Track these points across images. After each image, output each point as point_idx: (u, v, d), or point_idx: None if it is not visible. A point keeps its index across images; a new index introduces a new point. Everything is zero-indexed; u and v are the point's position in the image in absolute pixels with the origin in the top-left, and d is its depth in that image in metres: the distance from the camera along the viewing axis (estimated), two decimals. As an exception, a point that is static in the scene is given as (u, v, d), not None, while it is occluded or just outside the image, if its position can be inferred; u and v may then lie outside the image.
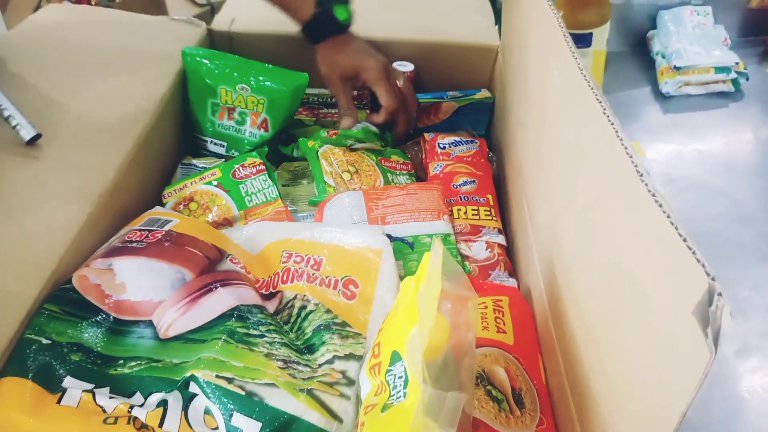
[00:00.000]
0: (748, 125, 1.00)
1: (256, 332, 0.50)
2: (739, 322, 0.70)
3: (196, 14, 1.38)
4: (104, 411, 0.45)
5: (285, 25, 0.87)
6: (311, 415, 0.45)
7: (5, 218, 0.54)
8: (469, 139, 0.84)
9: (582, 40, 0.94)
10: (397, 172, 0.79)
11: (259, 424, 0.44)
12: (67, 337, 0.48)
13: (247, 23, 0.89)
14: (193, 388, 0.46)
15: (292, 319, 0.54)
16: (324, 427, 0.45)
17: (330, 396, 0.47)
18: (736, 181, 0.90)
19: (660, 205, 0.31)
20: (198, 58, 0.76)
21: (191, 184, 0.70)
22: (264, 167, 0.72)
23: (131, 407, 0.45)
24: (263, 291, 0.57)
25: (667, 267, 0.31)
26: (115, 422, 0.44)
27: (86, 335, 0.49)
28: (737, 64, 1.04)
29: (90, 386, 0.46)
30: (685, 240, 0.29)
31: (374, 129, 0.80)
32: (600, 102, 0.39)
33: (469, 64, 0.92)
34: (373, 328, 0.54)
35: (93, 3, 1.31)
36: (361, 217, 0.67)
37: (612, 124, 0.37)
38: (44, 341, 0.47)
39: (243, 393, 0.45)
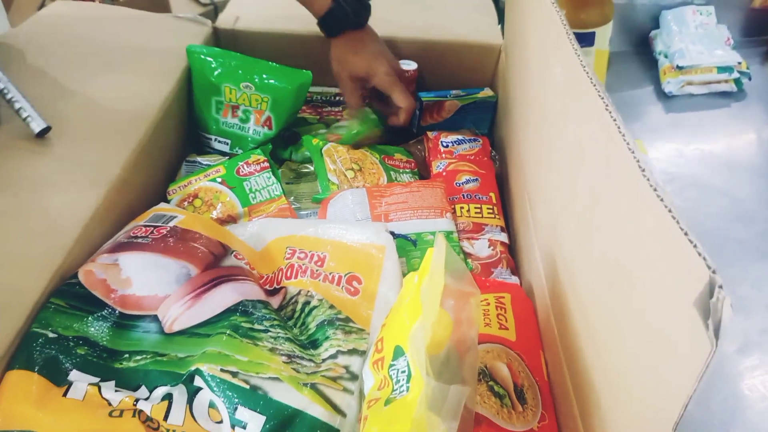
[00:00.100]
0: (750, 125, 1.00)
1: (260, 327, 0.50)
2: (740, 320, 0.70)
3: (200, 14, 1.38)
4: (110, 404, 0.45)
5: (289, 23, 0.88)
6: (315, 409, 0.46)
7: (13, 213, 0.54)
8: (472, 138, 0.84)
9: (584, 40, 0.95)
10: (401, 171, 0.80)
11: (263, 418, 0.44)
12: (73, 331, 0.49)
13: (251, 21, 0.90)
14: (198, 381, 0.46)
15: (296, 315, 0.54)
16: (327, 421, 0.46)
17: (333, 390, 0.47)
18: (737, 180, 0.90)
19: (662, 200, 0.32)
20: (202, 56, 0.77)
21: (196, 181, 0.70)
22: (268, 164, 0.72)
23: (136, 400, 0.46)
24: (267, 287, 0.57)
25: (668, 261, 0.32)
26: (121, 415, 0.44)
27: (92, 329, 0.50)
28: (740, 63, 1.05)
29: (96, 380, 0.47)
30: (686, 234, 0.30)
31: (372, 115, 0.81)
32: (602, 98, 0.39)
33: (472, 62, 0.92)
34: (376, 324, 0.54)
35: (97, 1, 1.32)
36: (365, 214, 0.68)
37: (614, 120, 0.37)
38: (50, 335, 0.47)
39: (247, 387, 0.45)
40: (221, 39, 0.89)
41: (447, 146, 0.82)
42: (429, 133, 0.85)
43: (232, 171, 0.71)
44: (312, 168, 0.78)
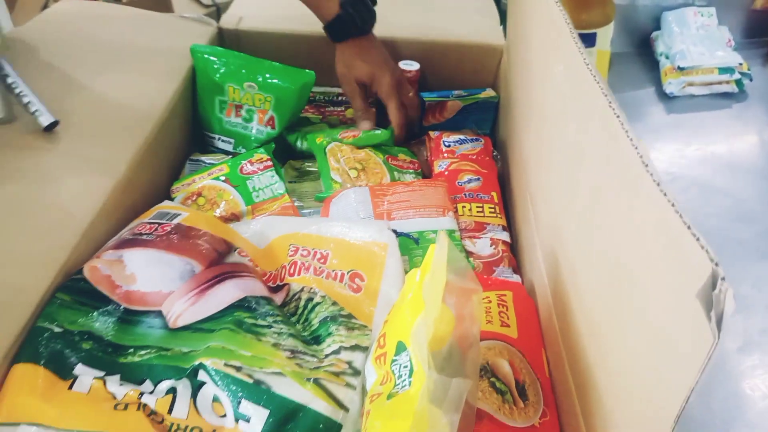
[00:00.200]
0: (751, 126, 1.01)
1: (263, 323, 0.50)
2: (741, 320, 0.71)
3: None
4: (114, 398, 0.46)
5: (292, 23, 0.88)
6: (318, 403, 0.46)
7: (19, 208, 0.54)
8: (474, 138, 0.85)
9: (586, 40, 0.95)
10: (404, 171, 0.80)
11: (267, 412, 0.44)
12: (79, 325, 0.49)
13: (254, 21, 0.90)
14: (202, 376, 0.47)
15: (299, 311, 0.55)
16: (330, 415, 0.46)
17: (336, 385, 0.48)
18: (738, 180, 0.90)
19: (665, 194, 0.32)
20: (206, 56, 0.77)
21: (199, 179, 0.70)
22: (271, 163, 0.72)
23: (141, 394, 0.46)
24: (270, 284, 0.58)
25: (669, 255, 0.32)
26: (125, 409, 0.45)
27: (97, 324, 0.50)
28: (741, 65, 1.05)
29: (101, 374, 0.47)
30: (689, 227, 0.30)
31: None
32: (605, 95, 0.39)
33: (474, 63, 0.93)
34: (379, 321, 0.55)
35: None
36: (367, 212, 0.68)
37: (617, 116, 0.37)
38: (56, 329, 0.48)
39: (251, 381, 0.46)
40: (225, 39, 0.89)
41: (449, 146, 0.83)
42: (431, 133, 0.86)
43: (235, 169, 0.71)
44: (315, 167, 0.79)
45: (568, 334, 0.51)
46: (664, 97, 1.06)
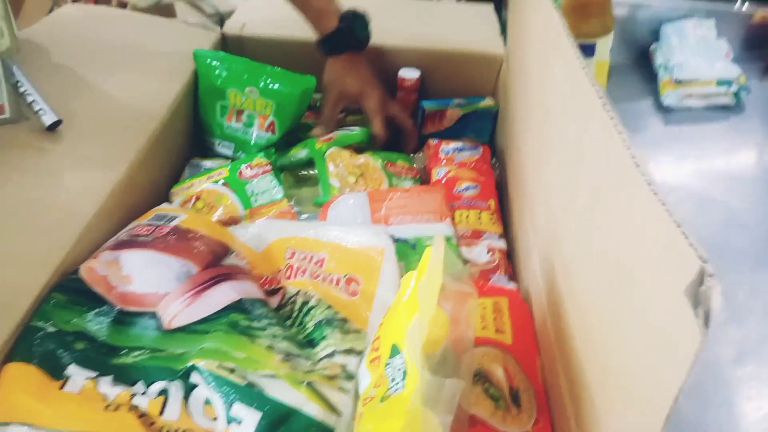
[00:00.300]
0: (749, 138, 1.01)
1: (258, 325, 0.51)
2: (736, 328, 0.71)
3: (206, 22, 1.40)
4: (106, 398, 0.45)
5: (294, 30, 0.89)
6: (311, 407, 0.46)
7: (18, 207, 0.55)
8: (473, 146, 0.85)
9: (585, 51, 0.96)
10: (403, 177, 0.80)
11: (259, 414, 0.44)
12: (73, 325, 0.49)
13: (257, 28, 0.91)
14: (195, 378, 0.47)
15: (294, 314, 0.55)
16: (323, 419, 0.46)
17: (330, 389, 0.48)
18: (734, 191, 0.91)
19: (656, 193, 0.32)
20: (208, 61, 0.78)
21: (198, 183, 0.71)
22: (270, 168, 0.73)
23: (133, 395, 0.46)
24: (267, 287, 0.58)
25: (661, 253, 0.32)
26: (117, 410, 0.45)
27: (91, 325, 0.50)
28: (739, 77, 1.05)
29: (93, 374, 0.47)
30: (679, 226, 0.30)
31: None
32: (600, 98, 0.40)
33: (474, 72, 0.93)
34: (374, 326, 0.55)
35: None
36: (365, 218, 0.68)
37: (612, 119, 0.38)
38: (50, 329, 0.48)
39: (244, 383, 0.46)
40: (228, 45, 0.90)
41: (447, 153, 0.83)
42: (430, 141, 0.86)
43: (234, 174, 0.71)
44: (313, 173, 0.79)
45: (562, 337, 0.51)
46: (662, 109, 1.07)
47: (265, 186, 0.71)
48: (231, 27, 0.91)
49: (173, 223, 0.59)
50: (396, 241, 0.65)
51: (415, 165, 0.85)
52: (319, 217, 0.70)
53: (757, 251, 0.82)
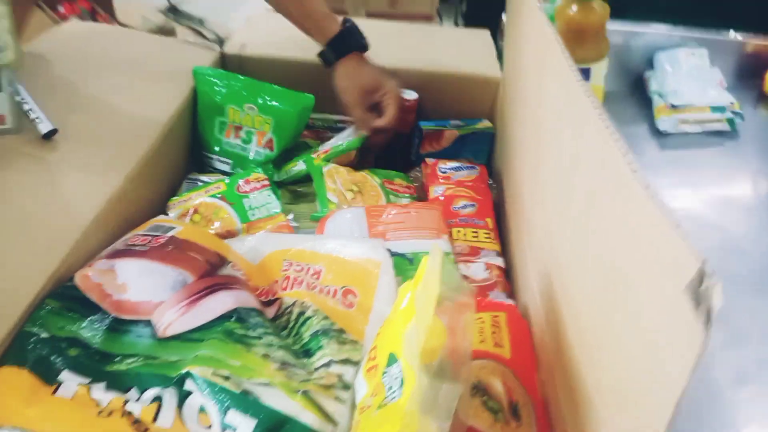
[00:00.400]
0: (743, 163, 1.02)
1: (253, 334, 0.50)
2: (735, 352, 0.70)
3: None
4: (99, 404, 0.45)
5: (293, 51, 0.90)
6: (306, 416, 0.45)
7: (14, 214, 0.55)
8: (470, 165, 0.86)
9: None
10: (400, 195, 0.80)
11: (254, 422, 0.44)
12: (67, 332, 0.49)
13: (257, 48, 0.92)
14: (189, 385, 0.46)
15: (290, 324, 0.54)
16: (319, 428, 0.45)
17: (325, 398, 0.47)
18: (730, 216, 0.91)
19: (652, 197, 0.32)
20: (208, 77, 0.79)
21: (196, 196, 0.71)
22: (268, 183, 0.73)
23: (126, 402, 0.45)
24: (263, 298, 0.58)
25: (658, 254, 0.32)
26: (109, 415, 0.44)
27: (85, 332, 0.49)
28: (732, 104, 1.07)
29: (86, 380, 0.46)
30: (677, 226, 0.30)
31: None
32: (596, 108, 0.40)
33: (472, 94, 0.94)
34: (371, 338, 0.54)
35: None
36: (363, 232, 0.68)
37: (607, 127, 0.38)
38: (44, 335, 0.47)
39: (238, 391, 0.45)
40: (228, 64, 0.91)
41: (445, 172, 0.84)
42: (427, 160, 0.87)
43: (232, 188, 0.72)
44: (310, 189, 0.80)
45: (560, 349, 0.50)
46: (658, 134, 1.08)
47: (263, 200, 0.71)
48: (231, 47, 0.92)
49: (169, 234, 0.59)
50: (393, 255, 0.64)
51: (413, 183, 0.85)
52: (316, 231, 0.70)
53: (755, 276, 0.81)
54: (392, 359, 0.44)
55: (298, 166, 0.78)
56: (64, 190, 0.59)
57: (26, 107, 0.62)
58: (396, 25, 1.08)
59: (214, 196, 0.71)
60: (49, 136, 0.62)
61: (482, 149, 0.93)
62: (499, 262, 0.73)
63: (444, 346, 0.46)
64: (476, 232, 0.75)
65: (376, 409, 0.42)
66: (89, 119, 0.68)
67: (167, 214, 0.70)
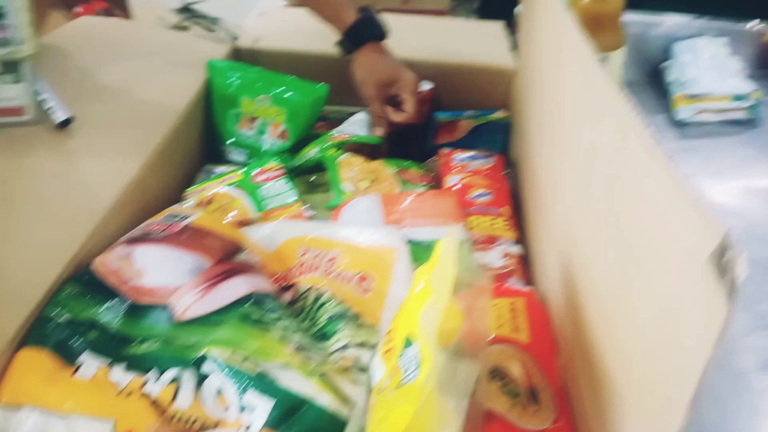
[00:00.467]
0: (764, 151, 1.01)
1: (270, 318, 0.50)
2: (759, 338, 0.69)
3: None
4: (118, 385, 0.45)
5: (307, 43, 0.90)
6: (323, 397, 0.45)
7: (33, 202, 0.55)
8: (486, 155, 0.85)
9: (597, 64, 0.96)
10: (415, 184, 0.80)
11: (272, 403, 0.44)
12: (86, 315, 0.49)
13: (271, 41, 0.92)
14: (207, 367, 0.46)
15: (307, 309, 0.54)
16: (335, 410, 0.45)
17: (343, 380, 0.47)
18: (751, 203, 0.90)
19: (672, 173, 0.32)
20: (222, 69, 0.79)
21: (212, 186, 0.71)
22: (284, 172, 0.73)
23: (145, 383, 0.45)
24: (279, 284, 0.57)
25: (680, 229, 0.32)
26: (128, 396, 0.44)
27: (104, 316, 0.50)
28: (754, 92, 1.05)
29: (105, 362, 0.46)
30: (698, 199, 0.30)
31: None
32: (613, 88, 0.40)
33: (487, 85, 0.94)
34: (387, 322, 0.54)
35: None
36: (378, 220, 0.68)
37: (626, 104, 0.38)
38: (63, 318, 0.48)
39: (256, 372, 0.45)
40: (241, 58, 0.91)
41: (461, 162, 0.83)
42: (442, 150, 0.86)
43: (247, 177, 0.72)
44: (325, 180, 0.79)
45: (581, 332, 0.50)
46: (676, 124, 1.07)
47: (279, 189, 0.71)
48: (244, 40, 0.92)
49: (186, 222, 0.59)
50: (409, 242, 0.64)
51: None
52: (331, 219, 0.70)
53: (778, 262, 0.80)
54: (409, 341, 0.44)
55: (312, 152, 0.78)
56: (81, 178, 0.59)
57: (42, 96, 0.63)
58: (409, 18, 1.08)
59: (230, 185, 0.71)
60: (65, 124, 0.62)
61: (498, 139, 0.93)
62: (517, 249, 0.72)
63: (461, 329, 0.46)
64: (493, 220, 0.75)
65: (393, 390, 0.42)
66: (104, 109, 0.68)
67: (183, 204, 0.70)
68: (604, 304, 0.44)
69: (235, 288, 0.52)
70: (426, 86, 0.90)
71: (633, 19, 1.14)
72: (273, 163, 0.73)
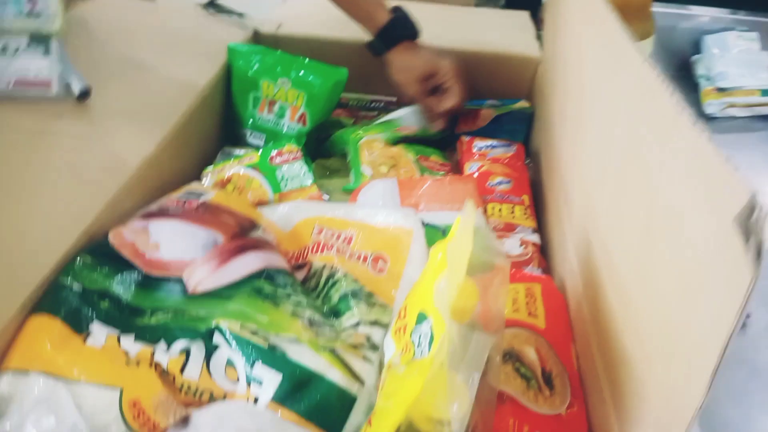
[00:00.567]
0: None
1: (282, 293, 0.49)
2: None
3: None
4: (127, 354, 0.45)
5: (332, 30, 0.90)
6: (333, 373, 0.44)
7: (50, 174, 0.55)
8: (507, 143, 0.84)
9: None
10: (435, 172, 0.79)
11: (280, 376, 0.43)
12: (98, 285, 0.49)
13: (293, 28, 0.92)
14: (217, 339, 0.46)
15: (320, 287, 0.54)
16: (345, 386, 0.44)
17: (353, 357, 0.46)
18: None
19: (700, 132, 0.30)
20: (243, 53, 0.79)
21: (229, 167, 0.71)
22: (301, 154, 0.72)
23: (154, 353, 0.45)
24: (293, 263, 0.57)
25: (705, 189, 0.30)
26: (138, 365, 0.44)
27: (117, 286, 0.50)
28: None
29: (116, 332, 0.46)
30: (726, 160, 0.28)
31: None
32: (637, 52, 0.38)
33: (509, 74, 0.93)
34: (400, 302, 0.53)
35: None
36: (395, 204, 0.67)
37: (649, 67, 0.36)
38: (76, 287, 0.47)
39: (266, 345, 0.44)
40: (263, 44, 0.91)
41: (480, 149, 0.82)
42: (463, 137, 0.85)
43: (265, 159, 0.71)
44: (343, 165, 0.79)
45: (599, 316, 0.48)
46: (704, 118, 1.04)
47: (296, 172, 0.71)
48: (267, 26, 0.92)
49: (202, 199, 0.59)
50: (425, 225, 0.63)
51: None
52: (348, 202, 0.69)
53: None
54: (422, 317, 0.43)
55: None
56: (98, 153, 0.59)
57: (66, 71, 0.63)
58: (434, 7, 1.07)
59: (247, 167, 0.71)
60: (83, 96, 0.62)
61: (519, 129, 0.91)
62: (535, 238, 0.71)
63: (476, 307, 0.44)
64: (512, 209, 0.73)
65: (404, 365, 0.41)
66: (123, 88, 0.68)
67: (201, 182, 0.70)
68: (623, 282, 0.43)
69: (248, 263, 0.52)
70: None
71: (663, 11, 1.12)
72: (290, 146, 0.73)
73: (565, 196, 0.64)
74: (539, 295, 0.57)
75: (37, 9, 0.63)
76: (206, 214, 0.57)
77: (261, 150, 0.73)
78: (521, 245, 0.69)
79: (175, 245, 0.53)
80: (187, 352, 0.45)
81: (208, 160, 0.77)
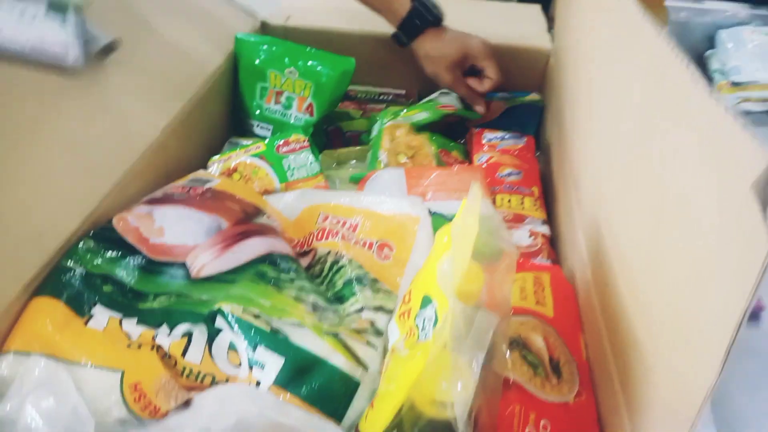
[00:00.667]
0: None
1: (286, 277, 0.49)
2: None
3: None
4: (129, 337, 0.44)
5: (341, 22, 0.89)
6: (336, 358, 0.44)
7: (54, 155, 0.55)
8: (517, 135, 0.83)
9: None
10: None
11: (282, 360, 0.42)
12: (102, 269, 0.48)
13: (301, 20, 0.91)
14: (219, 323, 0.45)
15: (324, 273, 0.53)
16: (348, 371, 0.43)
17: (357, 342, 0.45)
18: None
19: (716, 100, 0.29)
20: (250, 43, 0.79)
21: (236, 156, 0.70)
22: (308, 144, 0.72)
23: (156, 336, 0.44)
24: (298, 249, 0.56)
25: (720, 157, 0.29)
26: (139, 348, 0.43)
27: (120, 270, 0.49)
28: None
29: (118, 315, 0.46)
30: (742, 125, 0.27)
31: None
32: (650, 23, 0.37)
33: (521, 66, 0.91)
34: (405, 289, 0.52)
35: None
36: (402, 193, 0.66)
37: (661, 38, 0.35)
38: (79, 270, 0.47)
39: (268, 329, 0.44)
40: (271, 35, 0.91)
41: (490, 141, 0.81)
42: (473, 129, 0.84)
43: (272, 148, 0.71)
44: (351, 157, 0.79)
45: (608, 304, 0.47)
46: (718, 112, 1.02)
47: (302, 161, 0.70)
48: (276, 18, 0.91)
49: (207, 186, 0.59)
50: (432, 214, 0.62)
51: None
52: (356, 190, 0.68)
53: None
54: (426, 300, 0.42)
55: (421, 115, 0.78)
56: (103, 136, 0.59)
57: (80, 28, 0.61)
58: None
59: (253, 156, 0.70)
60: (107, 52, 0.61)
61: (530, 122, 0.90)
62: (545, 229, 0.70)
63: (481, 291, 0.43)
64: (521, 200, 0.72)
65: (408, 349, 0.40)
66: (129, 72, 0.68)
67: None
68: (633, 271, 0.42)
69: (252, 248, 0.51)
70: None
71: (677, 5, 1.10)
72: (297, 135, 0.72)
73: (575, 186, 0.63)
74: (548, 284, 0.56)
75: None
76: (211, 200, 0.56)
77: (267, 139, 0.72)
78: (531, 236, 0.68)
79: (179, 230, 0.53)
80: (189, 336, 0.45)
81: (215, 150, 0.77)
